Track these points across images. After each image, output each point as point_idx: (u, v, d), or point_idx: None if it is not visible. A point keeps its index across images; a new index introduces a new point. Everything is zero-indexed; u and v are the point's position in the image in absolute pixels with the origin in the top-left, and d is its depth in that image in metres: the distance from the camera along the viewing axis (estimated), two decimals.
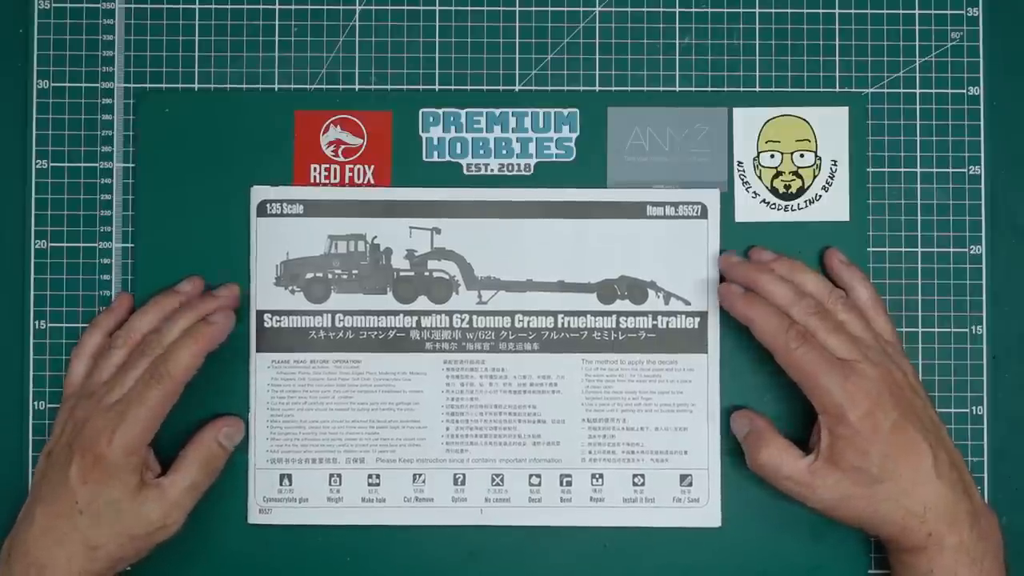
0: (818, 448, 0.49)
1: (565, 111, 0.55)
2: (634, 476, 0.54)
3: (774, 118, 0.55)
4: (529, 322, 0.54)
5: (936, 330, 0.55)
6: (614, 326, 0.54)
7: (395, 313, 0.54)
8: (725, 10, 0.56)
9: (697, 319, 0.54)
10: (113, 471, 0.48)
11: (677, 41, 0.56)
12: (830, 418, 0.48)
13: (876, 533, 0.50)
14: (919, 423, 0.49)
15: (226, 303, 0.52)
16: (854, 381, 0.48)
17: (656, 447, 0.54)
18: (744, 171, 0.55)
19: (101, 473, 0.48)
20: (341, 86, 0.55)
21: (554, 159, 0.55)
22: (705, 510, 0.54)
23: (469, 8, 0.55)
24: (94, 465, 0.48)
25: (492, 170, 0.55)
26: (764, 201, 0.55)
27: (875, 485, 0.48)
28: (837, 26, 0.56)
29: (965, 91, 0.55)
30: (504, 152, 0.55)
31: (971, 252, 0.55)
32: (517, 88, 0.55)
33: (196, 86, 0.55)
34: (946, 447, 0.49)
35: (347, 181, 0.55)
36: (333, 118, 0.55)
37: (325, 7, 0.55)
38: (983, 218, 0.55)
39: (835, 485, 0.48)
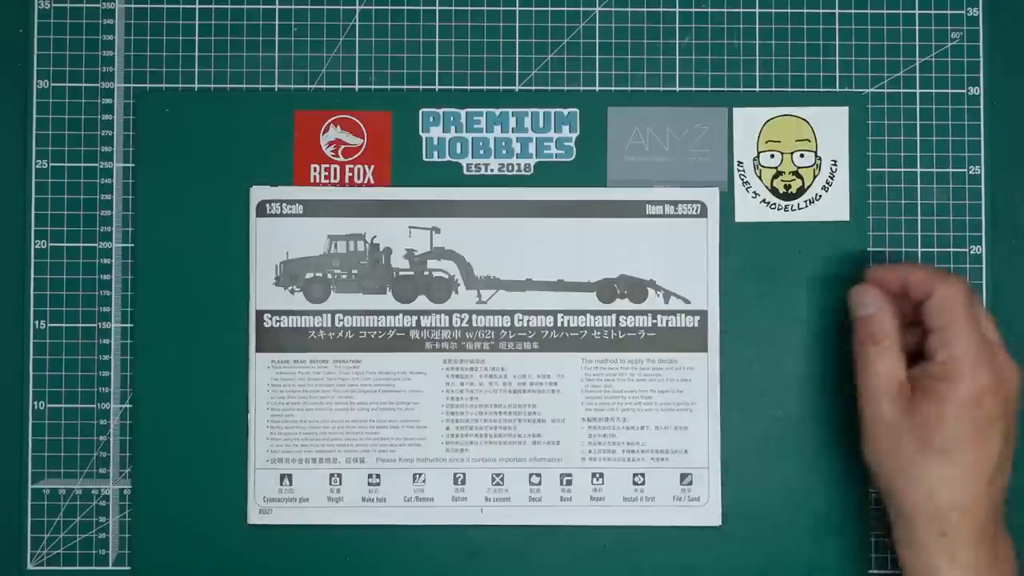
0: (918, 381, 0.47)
1: (565, 111, 0.55)
2: (634, 475, 0.54)
3: (774, 118, 0.55)
4: (529, 321, 0.54)
5: None
6: (614, 325, 0.54)
7: (395, 313, 0.54)
8: (725, 10, 0.56)
9: (697, 318, 0.54)
10: None
11: (677, 41, 0.56)
12: (944, 370, 0.46)
13: (893, 504, 0.48)
14: (1007, 434, 0.47)
15: None
16: (989, 353, 0.46)
17: (656, 446, 0.54)
18: (744, 171, 0.55)
19: None
20: (341, 86, 0.55)
21: (554, 159, 0.55)
22: (705, 509, 0.54)
23: (469, 8, 0.56)
24: None
25: (492, 170, 0.55)
26: (764, 201, 0.55)
27: (926, 453, 0.46)
28: (837, 26, 0.56)
29: (965, 91, 0.55)
30: (504, 152, 0.55)
31: (971, 252, 0.55)
32: (517, 88, 0.55)
33: (196, 86, 0.55)
34: (1007, 474, 0.47)
35: (347, 181, 0.55)
36: (333, 118, 0.55)
37: (325, 7, 0.55)
38: (983, 218, 0.55)
39: (899, 422, 0.47)
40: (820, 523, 0.53)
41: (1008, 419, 0.47)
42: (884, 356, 0.48)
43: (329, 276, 0.54)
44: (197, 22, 0.55)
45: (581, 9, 0.56)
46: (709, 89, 0.55)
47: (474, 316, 0.54)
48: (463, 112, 0.55)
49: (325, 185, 0.55)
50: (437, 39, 0.56)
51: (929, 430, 0.46)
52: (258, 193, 0.54)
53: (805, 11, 0.56)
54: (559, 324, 0.54)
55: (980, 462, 0.46)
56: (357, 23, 0.56)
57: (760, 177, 0.55)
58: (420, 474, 0.54)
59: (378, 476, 0.54)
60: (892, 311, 0.49)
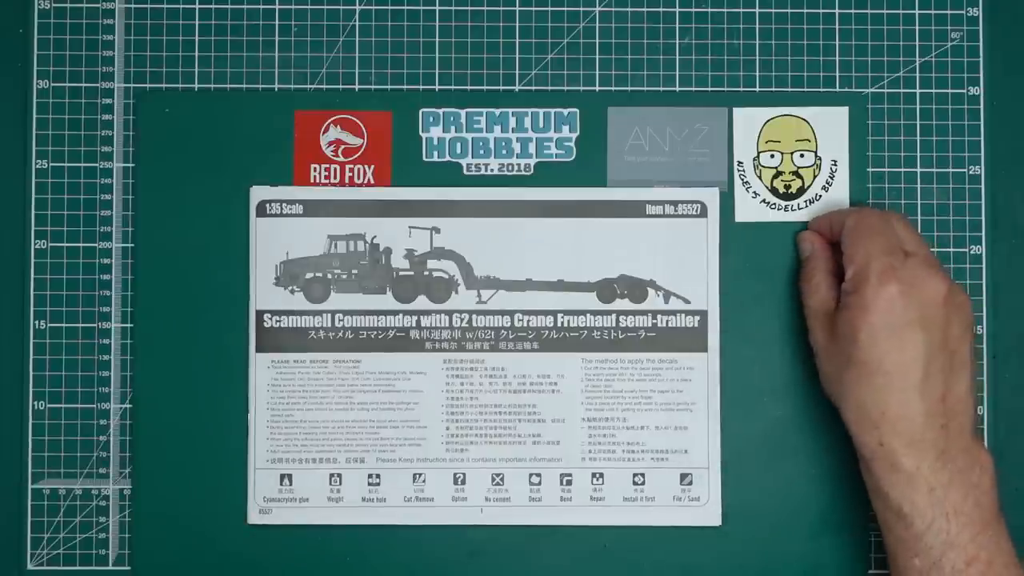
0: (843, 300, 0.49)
1: (565, 111, 0.55)
2: (634, 475, 0.54)
3: (774, 118, 0.55)
4: (529, 321, 0.54)
5: None
6: (614, 325, 0.54)
7: (395, 313, 0.54)
8: (725, 10, 0.56)
9: (697, 318, 0.54)
10: None
11: (677, 41, 0.56)
12: (852, 284, 0.48)
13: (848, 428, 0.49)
14: (938, 342, 0.47)
15: None
16: (896, 260, 0.47)
17: (656, 446, 0.54)
18: (744, 171, 0.55)
19: None
20: (341, 86, 0.55)
21: (554, 159, 0.55)
22: (705, 509, 0.54)
23: (469, 8, 0.56)
24: None
25: (492, 170, 0.55)
26: (764, 201, 0.55)
27: (849, 366, 0.47)
28: (837, 26, 0.56)
29: (965, 91, 0.55)
30: (504, 152, 0.55)
31: (971, 252, 0.55)
32: (517, 88, 0.55)
33: (196, 86, 0.55)
34: (952, 385, 0.47)
35: (347, 181, 0.55)
36: (333, 118, 0.55)
37: (325, 7, 0.55)
38: (983, 218, 0.55)
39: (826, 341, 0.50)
40: (820, 523, 0.53)
41: (933, 324, 0.47)
42: (816, 292, 0.51)
43: (329, 276, 0.54)
44: (197, 22, 0.55)
45: (581, 9, 0.56)
46: (709, 89, 0.55)
47: (474, 316, 0.54)
48: (463, 112, 0.55)
49: (325, 185, 0.55)
50: (437, 39, 0.56)
51: (848, 344, 0.48)
52: (258, 193, 0.54)
53: (805, 11, 0.56)
54: (559, 324, 0.54)
55: (902, 368, 0.47)
56: (357, 23, 0.56)
57: (760, 177, 0.55)
58: (420, 474, 0.54)
59: (378, 476, 0.54)
60: (826, 253, 0.52)
